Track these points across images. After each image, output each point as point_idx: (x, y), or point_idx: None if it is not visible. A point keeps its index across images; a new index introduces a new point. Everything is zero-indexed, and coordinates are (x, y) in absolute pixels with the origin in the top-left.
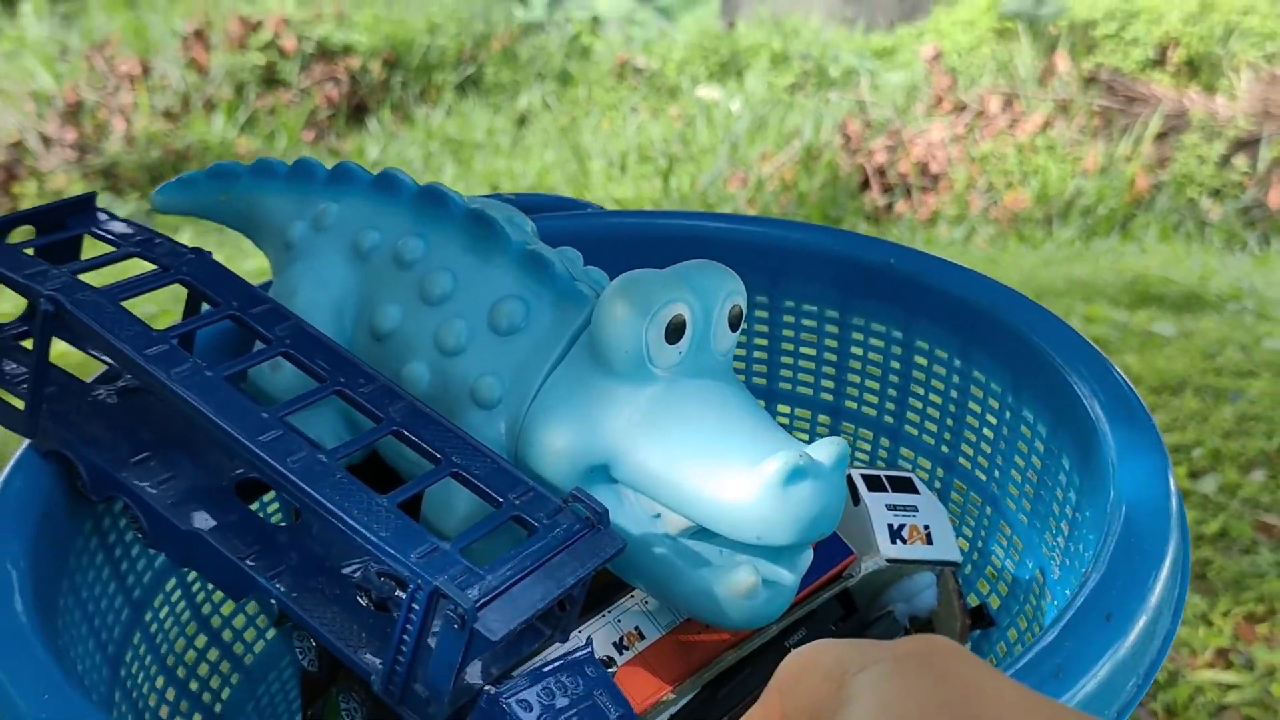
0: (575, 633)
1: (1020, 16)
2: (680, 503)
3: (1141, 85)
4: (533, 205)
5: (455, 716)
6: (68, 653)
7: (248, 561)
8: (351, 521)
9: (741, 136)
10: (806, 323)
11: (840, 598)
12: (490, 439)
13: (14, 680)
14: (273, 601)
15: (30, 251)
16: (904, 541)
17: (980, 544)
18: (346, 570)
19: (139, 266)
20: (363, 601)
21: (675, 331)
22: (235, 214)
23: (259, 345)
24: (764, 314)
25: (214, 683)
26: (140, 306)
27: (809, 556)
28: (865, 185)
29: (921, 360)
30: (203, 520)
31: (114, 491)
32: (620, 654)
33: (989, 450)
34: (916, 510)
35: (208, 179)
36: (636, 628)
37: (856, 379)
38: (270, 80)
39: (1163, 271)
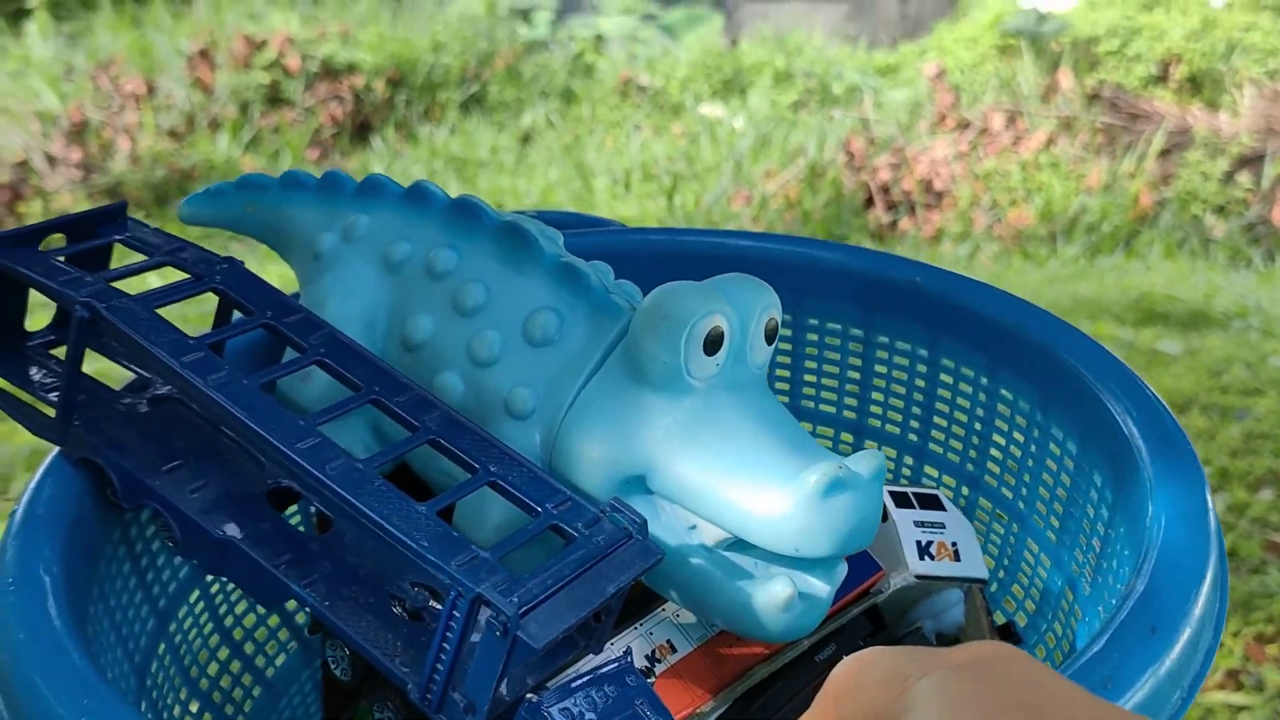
0: (609, 645)
1: (1023, 33)
2: (718, 514)
3: (1144, 102)
4: (555, 222)
5: None
6: (99, 660)
7: (281, 569)
8: (392, 529)
9: (745, 154)
10: (830, 341)
11: (869, 614)
12: (524, 450)
13: (51, 685)
14: (306, 610)
15: (61, 259)
16: (932, 558)
17: (1006, 561)
18: (381, 579)
19: (171, 275)
20: (397, 610)
21: (713, 344)
22: (262, 226)
23: (290, 354)
24: (787, 332)
25: (236, 695)
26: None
27: (844, 570)
28: (869, 203)
29: (947, 378)
30: (235, 528)
31: (146, 499)
32: (654, 667)
33: (1016, 468)
34: (944, 527)
35: (235, 190)
36: (668, 641)
37: (880, 397)
38: (275, 99)
39: (1168, 289)
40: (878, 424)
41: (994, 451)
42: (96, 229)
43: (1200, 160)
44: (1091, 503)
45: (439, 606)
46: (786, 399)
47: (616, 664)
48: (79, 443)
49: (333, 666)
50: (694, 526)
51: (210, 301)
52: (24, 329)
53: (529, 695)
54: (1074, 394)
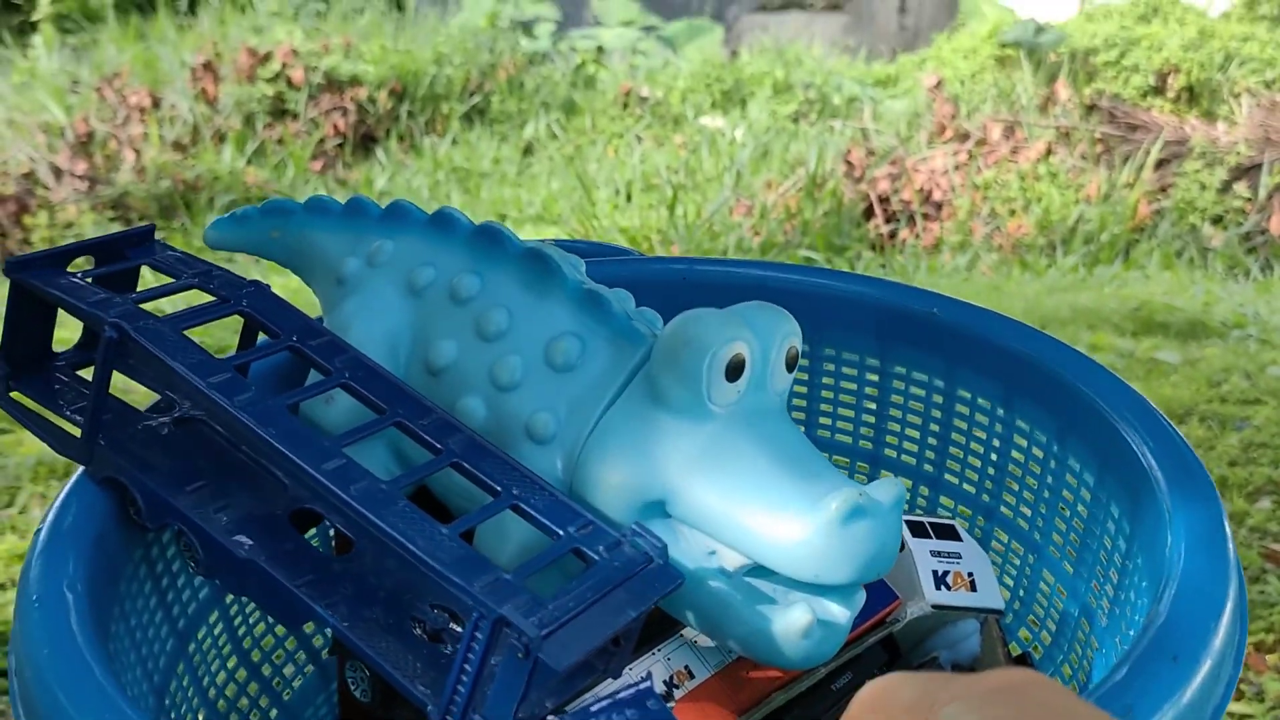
0: (627, 670)
1: (1021, 44)
2: (737, 540)
3: (1142, 112)
4: (574, 251)
5: None
6: (120, 678)
7: (303, 590)
8: (415, 550)
9: (745, 165)
10: (847, 370)
11: (885, 643)
12: (545, 474)
13: (74, 701)
14: (325, 632)
15: (90, 280)
16: (949, 588)
17: (1022, 593)
18: (402, 600)
19: (198, 298)
20: (418, 632)
21: (735, 370)
22: (287, 250)
23: (314, 377)
24: (804, 362)
25: (253, 717)
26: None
27: (863, 597)
28: (869, 213)
29: (963, 409)
30: (258, 548)
31: (170, 519)
32: (672, 692)
33: (1032, 499)
34: (960, 557)
35: (261, 215)
36: (686, 666)
37: (896, 427)
38: (279, 111)
39: (1166, 299)
40: (894, 454)
41: (1010, 482)
42: (125, 251)
43: (1198, 170)
44: (1109, 533)
45: (459, 629)
46: (802, 429)
47: (637, 688)
48: (104, 462)
49: (352, 688)
50: (713, 552)
51: (235, 324)
52: (51, 350)
53: (549, 717)
54: (1091, 425)
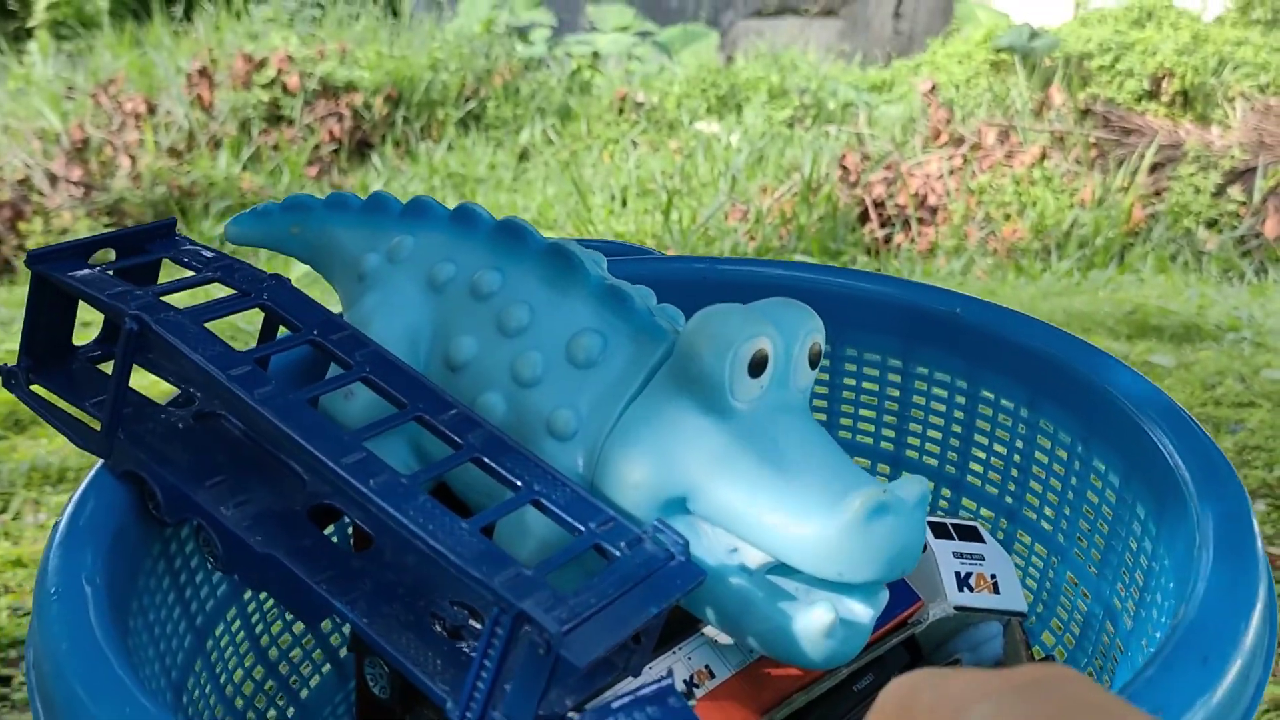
0: (646, 669)
1: (1015, 49)
2: (760, 537)
3: (1136, 117)
4: (596, 250)
5: None
6: (139, 673)
7: (323, 585)
8: (436, 544)
9: (741, 170)
10: (869, 371)
11: (907, 644)
12: (565, 470)
13: (92, 695)
14: (342, 630)
15: (111, 273)
16: (971, 590)
17: (1045, 595)
18: (421, 597)
19: (218, 292)
20: (437, 628)
21: (757, 366)
22: (307, 246)
23: (334, 370)
24: (825, 362)
25: (270, 715)
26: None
27: (885, 596)
28: (864, 218)
29: (986, 410)
30: (277, 543)
31: (189, 513)
32: (692, 691)
33: (1056, 500)
34: (983, 559)
35: (281, 211)
36: (707, 666)
37: (918, 428)
38: (274, 117)
39: (1160, 302)
40: (915, 455)
41: (1034, 484)
42: (146, 245)
43: (1192, 174)
44: (1134, 535)
45: (479, 626)
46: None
47: (658, 685)
48: (124, 456)
49: (371, 684)
50: (735, 549)
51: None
52: (72, 343)
53: (570, 714)
54: (1117, 426)
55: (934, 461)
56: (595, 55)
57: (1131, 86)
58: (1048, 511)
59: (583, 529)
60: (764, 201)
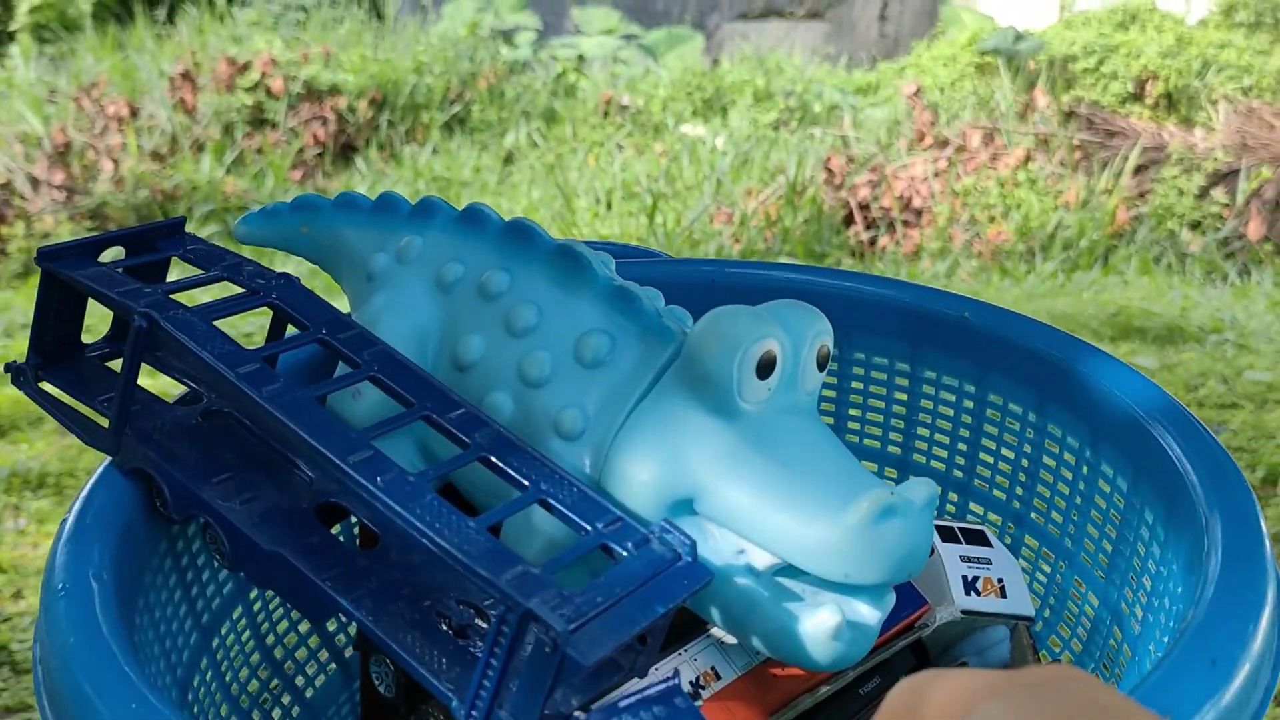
0: (653, 670)
1: (1000, 52)
2: (767, 538)
3: (1120, 119)
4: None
5: None
6: (145, 670)
7: (329, 583)
8: (442, 542)
9: (726, 173)
10: (876, 375)
11: (913, 648)
12: (573, 470)
13: (98, 690)
14: (348, 630)
15: (120, 271)
16: (978, 594)
17: (1053, 600)
18: (427, 595)
19: (227, 290)
20: (444, 627)
21: (766, 368)
22: (315, 246)
23: (342, 369)
24: (833, 365)
25: (275, 714)
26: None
27: (892, 599)
28: (849, 220)
29: (994, 414)
30: (284, 541)
31: (196, 510)
32: (698, 693)
33: (1064, 505)
34: (990, 563)
35: (290, 211)
36: (713, 667)
37: (926, 432)
38: (258, 121)
39: (1144, 304)
40: (923, 459)
41: (1041, 488)
42: (155, 243)
43: (1175, 176)
44: (1142, 540)
45: (485, 625)
46: None
47: (664, 685)
48: (131, 453)
49: (377, 683)
50: (742, 550)
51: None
52: (81, 340)
53: (576, 714)
54: (1125, 431)
55: (942, 465)
56: (580, 58)
57: (1116, 89)
58: (1055, 516)
59: (589, 529)
60: (749, 204)
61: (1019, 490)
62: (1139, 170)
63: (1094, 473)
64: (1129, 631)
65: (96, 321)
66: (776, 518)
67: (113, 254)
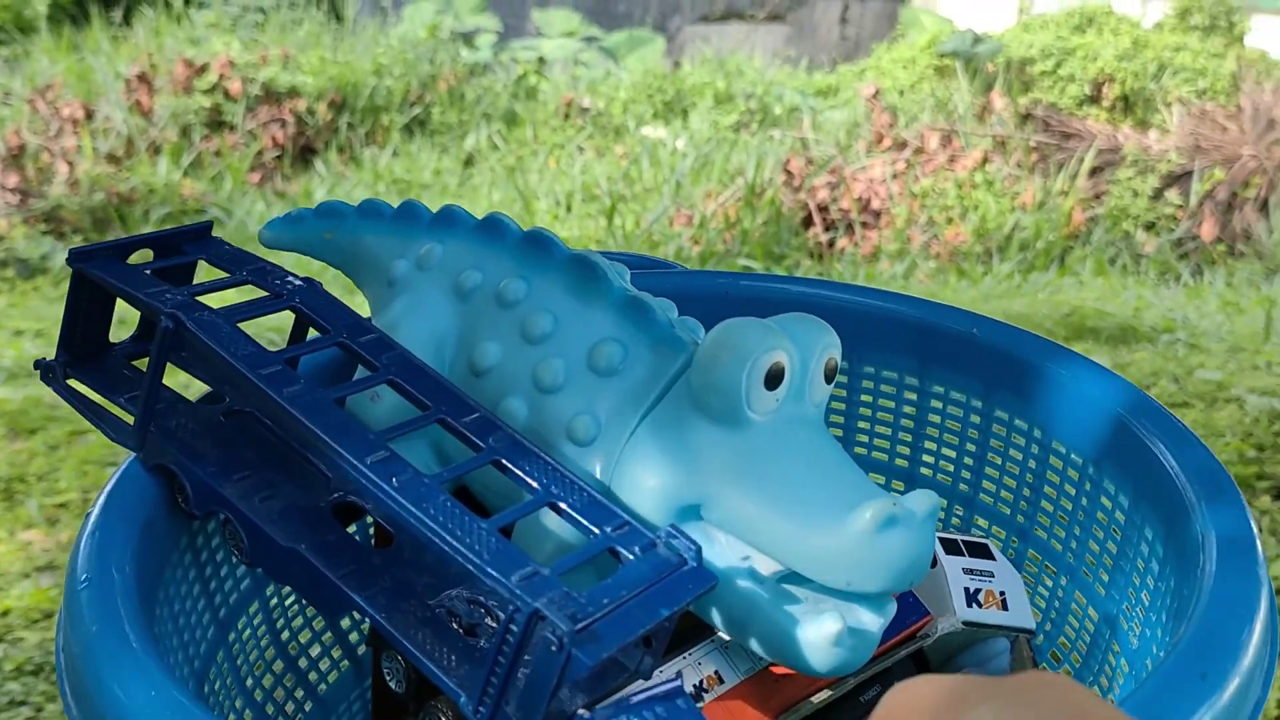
0: (656, 673)
1: (958, 55)
2: (771, 545)
3: (1076, 121)
4: (620, 263)
5: None
6: (164, 660)
7: (344, 580)
8: (454, 543)
9: (686, 175)
10: (885, 389)
11: (914, 658)
12: (583, 475)
13: (119, 678)
14: (361, 626)
15: (148, 273)
16: (980, 606)
17: (1054, 614)
18: (439, 594)
19: (251, 294)
20: (454, 626)
21: (774, 379)
22: (338, 251)
23: (361, 372)
24: (842, 379)
25: (289, 708)
26: None
27: (894, 608)
28: (808, 222)
29: (1000, 430)
30: (301, 538)
31: (216, 506)
32: (701, 696)
33: (1066, 521)
34: (993, 576)
35: (315, 217)
36: (716, 672)
37: (933, 446)
38: (216, 123)
39: (1098, 304)
40: (929, 473)
41: (1045, 504)
42: (183, 246)
43: (1130, 178)
44: (1142, 556)
45: (493, 624)
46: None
47: (667, 686)
48: (155, 449)
49: (388, 678)
50: (747, 557)
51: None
52: (108, 339)
53: (581, 711)
54: (1127, 449)
55: (948, 479)
56: (541, 60)
57: (1073, 91)
58: (1059, 531)
59: (598, 532)
60: (708, 206)
61: (1023, 505)
62: (1095, 172)
63: (1096, 489)
64: (1127, 645)
65: (123, 323)
66: (781, 525)
67: (141, 256)
